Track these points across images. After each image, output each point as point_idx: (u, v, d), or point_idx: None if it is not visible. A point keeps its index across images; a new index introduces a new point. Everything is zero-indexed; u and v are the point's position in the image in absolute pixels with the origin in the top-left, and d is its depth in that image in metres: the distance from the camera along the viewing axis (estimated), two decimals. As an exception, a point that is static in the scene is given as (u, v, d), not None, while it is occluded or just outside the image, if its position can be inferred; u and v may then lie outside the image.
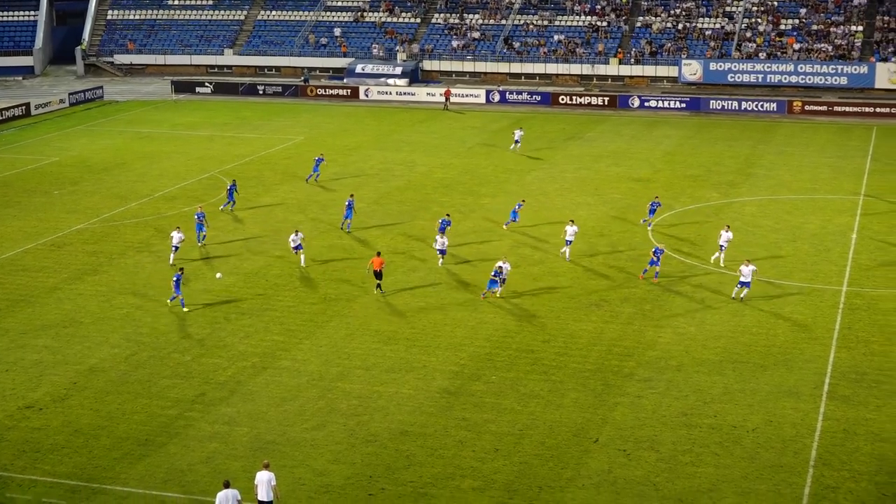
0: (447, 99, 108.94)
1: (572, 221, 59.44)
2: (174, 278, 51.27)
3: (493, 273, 52.62)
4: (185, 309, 51.18)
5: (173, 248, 58.18)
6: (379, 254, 54.79)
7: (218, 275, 47.73)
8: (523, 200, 66.47)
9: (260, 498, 33.17)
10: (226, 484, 32.63)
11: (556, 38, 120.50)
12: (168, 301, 51.83)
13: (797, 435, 39.54)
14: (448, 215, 62.03)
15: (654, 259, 54.95)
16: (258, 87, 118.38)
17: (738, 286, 52.26)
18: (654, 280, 55.09)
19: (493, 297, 52.78)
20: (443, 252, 57.81)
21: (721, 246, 57.46)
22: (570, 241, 58.63)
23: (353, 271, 57.54)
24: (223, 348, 47.83)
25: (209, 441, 39.38)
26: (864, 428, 40.01)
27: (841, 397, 42.46)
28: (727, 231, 57.99)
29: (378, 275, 53.72)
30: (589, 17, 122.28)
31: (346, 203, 64.73)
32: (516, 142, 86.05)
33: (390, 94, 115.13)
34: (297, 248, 57.24)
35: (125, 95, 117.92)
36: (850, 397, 42.47)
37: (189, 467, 37.51)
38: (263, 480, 33.06)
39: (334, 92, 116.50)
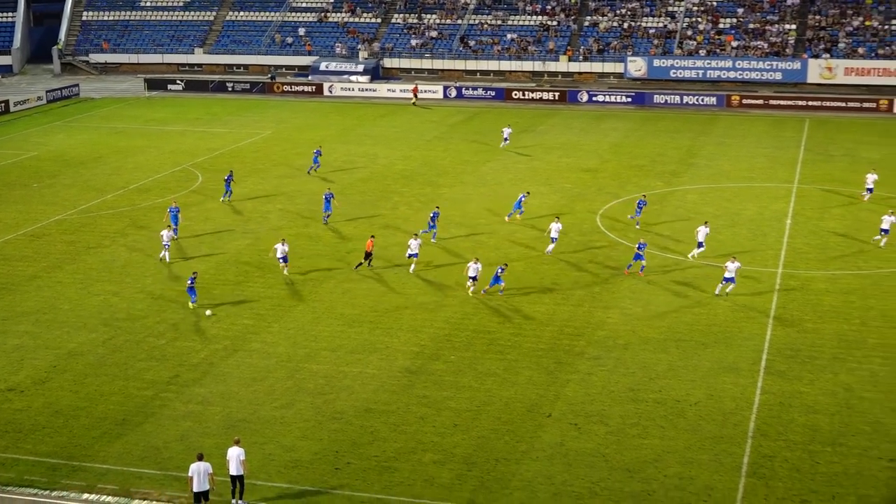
0: (415, 95, 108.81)
1: (557, 218, 58.56)
2: (189, 282, 49.88)
3: (498, 270, 51.13)
4: (191, 305, 49.85)
5: (164, 246, 56.78)
6: (373, 237, 56.34)
7: (208, 312, 45.94)
8: (528, 192, 66.17)
9: (231, 472, 33.18)
10: (199, 456, 32.66)
11: (509, 36, 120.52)
12: (190, 304, 49.86)
13: (736, 408, 39.87)
14: (438, 207, 61.50)
15: (639, 253, 53.66)
16: (227, 85, 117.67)
17: (723, 282, 50.63)
18: (639, 274, 53.74)
19: (493, 293, 51.31)
20: (414, 255, 54.73)
21: (700, 243, 55.95)
22: (556, 239, 57.24)
23: (319, 259, 57.43)
24: (196, 332, 47.64)
25: (183, 420, 39.27)
26: (799, 401, 40.40)
27: (777, 372, 42.83)
28: (705, 226, 56.57)
29: (368, 255, 55.19)
30: (540, 17, 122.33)
31: (325, 196, 64.10)
32: (505, 139, 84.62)
33: (353, 90, 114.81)
34: (282, 258, 53.69)
35: (100, 93, 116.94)
36: (785, 372, 42.85)
37: (164, 445, 37.42)
38: (234, 456, 33.06)
39: (300, 88, 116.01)
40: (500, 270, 51.21)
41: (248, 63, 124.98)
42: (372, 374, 42.97)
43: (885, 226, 58.56)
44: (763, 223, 63.24)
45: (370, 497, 34.10)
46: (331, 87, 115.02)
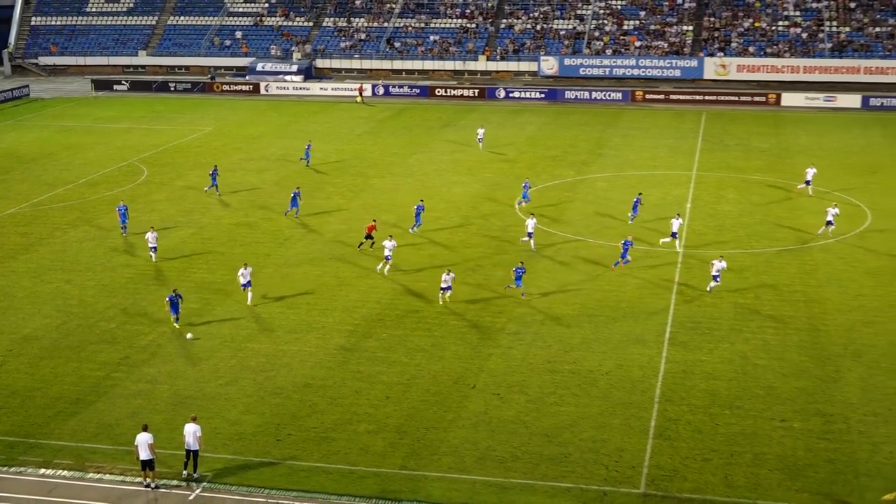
0: (360, 93, 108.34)
1: (532, 215, 56.94)
2: (168, 300, 45.04)
3: (515, 270, 48.29)
4: (176, 325, 45.11)
5: (151, 249, 53.96)
6: (374, 220, 56.85)
7: (189, 335, 44.03)
8: (528, 179, 66.22)
9: (187, 447, 33.01)
10: (144, 427, 32.44)
11: (431, 38, 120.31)
12: (175, 325, 45.15)
13: (644, 376, 40.30)
14: (422, 201, 60.57)
15: (623, 251, 51.96)
16: (170, 85, 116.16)
17: (714, 282, 48.54)
18: (619, 267, 52.00)
19: (514, 291, 48.87)
20: (388, 258, 51.84)
21: (674, 233, 55.07)
22: (531, 234, 55.24)
23: (257, 246, 57.02)
24: (144, 316, 47.08)
25: (134, 398, 38.84)
26: (700, 368, 40.93)
27: (680, 343, 43.35)
28: (678, 218, 55.70)
29: (369, 236, 55.22)
30: (460, 20, 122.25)
31: (292, 194, 62.18)
32: (479, 139, 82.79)
33: (288, 89, 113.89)
34: (245, 284, 47.77)
35: (50, 93, 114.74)
36: (687, 343, 43.37)
37: (116, 422, 36.99)
38: (190, 432, 32.92)
39: (238, 88, 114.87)
40: (520, 271, 48.15)
41: (189, 64, 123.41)
42: (309, 352, 42.79)
43: (829, 217, 56.99)
44: (666, 207, 63.83)
45: (310, 465, 34.00)
46: (267, 86, 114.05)
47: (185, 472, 33.18)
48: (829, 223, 57.19)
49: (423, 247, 56.32)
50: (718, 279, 48.62)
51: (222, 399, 38.71)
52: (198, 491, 32.65)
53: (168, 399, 38.72)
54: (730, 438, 35.49)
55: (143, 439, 32.15)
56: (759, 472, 33.33)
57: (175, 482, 33.03)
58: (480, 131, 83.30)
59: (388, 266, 51.70)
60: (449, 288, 47.23)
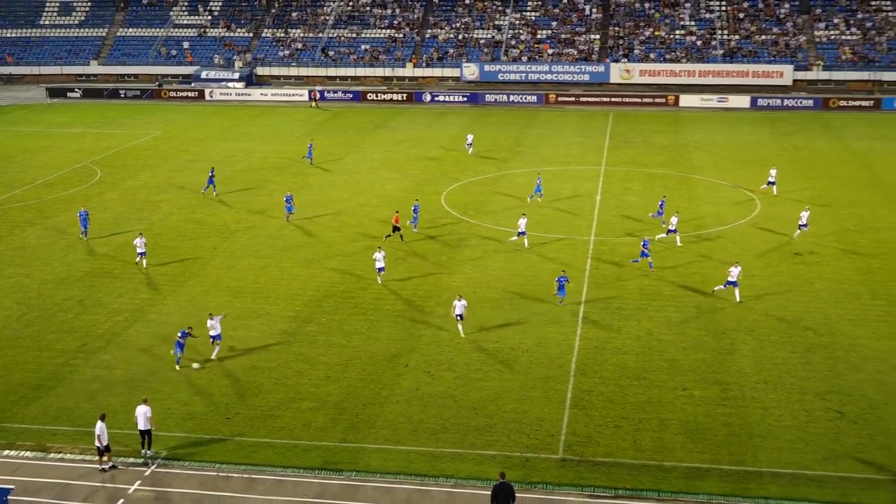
0: (313, 98, 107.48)
1: (524, 214, 55.02)
2: (180, 336, 39.44)
3: (557, 280, 45.51)
4: (177, 367, 39.46)
5: (140, 255, 51.42)
6: (397, 212, 55.86)
7: (195, 365, 42.11)
8: (540, 174, 65.83)
9: (139, 427, 32.60)
10: (101, 416, 31.88)
11: (363, 47, 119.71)
12: (176, 367, 39.57)
13: (560, 352, 40.60)
14: (417, 200, 59.32)
15: (644, 251, 49.88)
16: (120, 92, 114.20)
17: (725, 285, 46.20)
18: (650, 271, 49.75)
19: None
20: (381, 269, 48.68)
21: (671, 230, 53.93)
22: (524, 232, 53.57)
23: (205, 240, 56.38)
24: (100, 306, 46.34)
25: (91, 383, 38.24)
26: (610, 344, 41.34)
27: (592, 322, 43.73)
28: (675, 216, 54.47)
29: (396, 228, 54.56)
30: (388, 31, 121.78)
31: (285, 198, 59.97)
32: (469, 145, 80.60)
33: (230, 95, 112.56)
34: (215, 337, 40.30)
35: (6, 101, 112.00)
36: (598, 321, 43.77)
37: (76, 405, 36.40)
38: (141, 413, 32.54)
39: (184, 94, 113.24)
40: (562, 281, 45.36)
41: (138, 73, 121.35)
42: (255, 337, 42.46)
43: (802, 221, 54.65)
44: (578, 200, 64.35)
45: (257, 441, 33.78)
46: (211, 92, 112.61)
47: (143, 451, 32.79)
48: (802, 226, 54.63)
49: (359, 240, 56.10)
50: (737, 284, 45.80)
51: (175, 381, 38.26)
52: (153, 467, 32.28)
53: (124, 383, 38.18)
54: (638, 407, 35.93)
55: (103, 427, 31.72)
56: (664, 437, 33.79)
57: (131, 460, 32.62)
58: (470, 137, 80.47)
59: (379, 276, 48.59)
60: (461, 317, 42.30)
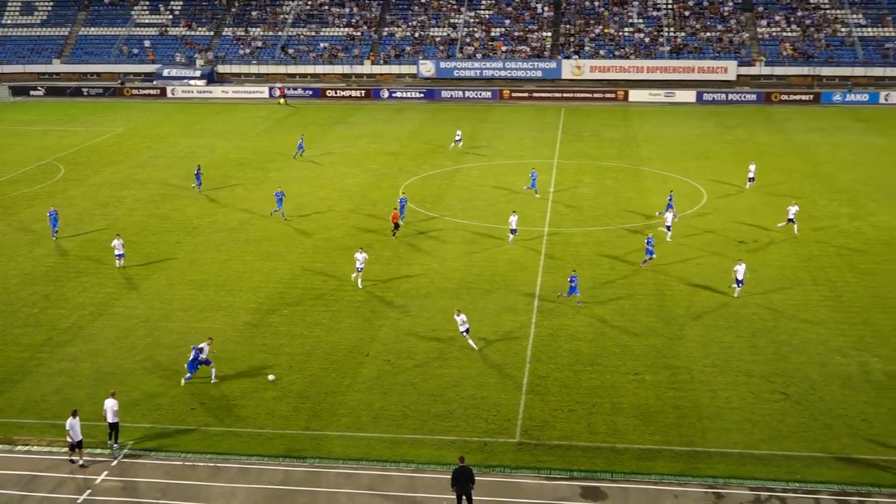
0: (282, 95, 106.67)
1: (514, 212, 54.24)
2: (193, 353, 36.99)
3: (569, 279, 44.19)
4: (182, 381, 36.90)
5: (119, 256, 49.79)
6: (396, 209, 55.54)
7: (270, 377, 37.41)
8: (535, 169, 65.67)
9: (108, 420, 32.31)
10: (73, 413, 31.40)
11: (322, 45, 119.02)
12: (182, 381, 37.10)
13: (516, 340, 40.67)
14: (404, 193, 59.06)
15: (649, 248, 48.92)
16: (83, 90, 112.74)
17: (738, 285, 44.97)
18: (644, 266, 48.92)
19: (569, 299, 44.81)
20: (360, 269, 47.02)
21: (667, 226, 53.26)
22: (515, 230, 52.82)
23: (168, 234, 55.82)
24: (65, 301, 45.71)
25: (57, 376, 37.71)
26: (564, 331, 41.48)
27: (547, 310, 43.85)
28: (670, 212, 54.02)
29: (396, 225, 54.27)
30: (347, 29, 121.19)
31: (276, 195, 58.39)
32: (457, 140, 78.54)
33: (192, 92, 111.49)
34: (205, 362, 37.51)
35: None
36: (553, 310, 43.90)
37: (42, 398, 35.89)
38: (109, 407, 32.20)
39: (146, 92, 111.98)
40: (572, 280, 44.05)
41: (101, 71, 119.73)
42: (219, 329, 42.09)
43: (790, 215, 53.99)
44: (531, 193, 64.42)
45: (222, 430, 33.52)
46: (173, 90, 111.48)
47: (109, 442, 32.43)
48: (790, 220, 53.89)
49: (319, 232, 55.83)
50: (743, 282, 45.00)
51: (140, 373, 37.85)
52: (119, 457, 31.93)
53: (89, 375, 37.69)
54: (591, 391, 36.09)
55: (75, 423, 31.27)
56: (617, 420, 33.98)
57: (98, 451, 32.23)
58: (458, 133, 79.58)
59: (359, 278, 46.83)
60: (467, 331, 39.73)
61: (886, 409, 34.49)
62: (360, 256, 46.97)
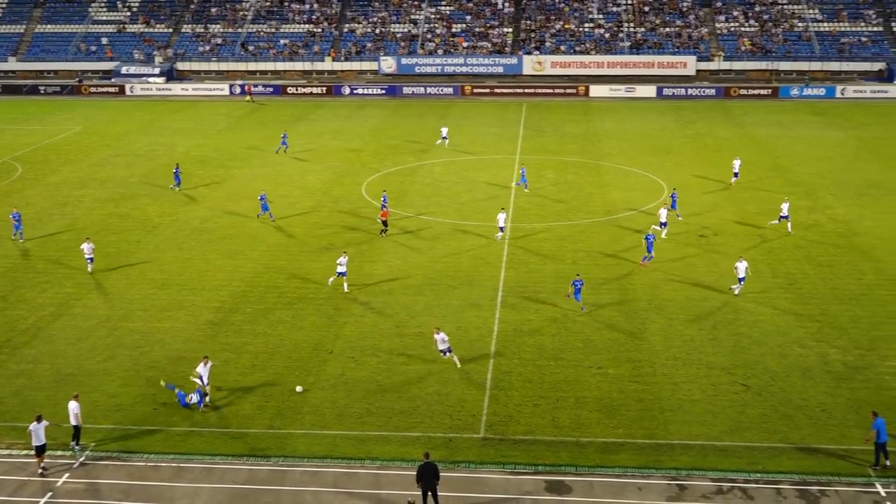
0: (249, 93, 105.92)
1: (503, 209, 54.83)
2: (197, 394, 34.94)
3: (573, 283, 43.08)
4: (201, 407, 34.97)
5: (88, 260, 48.60)
6: (384, 207, 55.21)
7: (298, 388, 36.57)
8: (524, 166, 65.79)
9: (71, 423, 32.10)
10: (38, 418, 31.00)
11: (282, 41, 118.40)
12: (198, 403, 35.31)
13: (480, 335, 40.76)
14: (385, 191, 58.83)
15: (649, 247, 48.40)
16: (39, 88, 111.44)
17: (738, 283, 44.80)
18: (644, 264, 48.68)
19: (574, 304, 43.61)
20: (342, 274, 45.70)
21: (662, 223, 53.00)
22: (503, 228, 52.93)
23: (128, 233, 55.33)
24: (24, 302, 45.15)
25: (17, 377, 37.25)
26: (528, 326, 41.63)
27: (510, 305, 43.98)
28: (664, 208, 53.82)
29: (385, 223, 53.83)
30: (307, 25, 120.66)
31: (260, 198, 57.58)
32: (444, 137, 78.08)
33: (151, 90, 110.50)
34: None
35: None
36: (516, 305, 44.03)
37: (0, 400, 35.40)
38: (71, 409, 31.86)
39: (104, 90, 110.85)
40: (575, 284, 43.06)
41: (58, 69, 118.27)
42: (181, 328, 41.81)
43: (784, 212, 53.78)
44: (494, 187, 64.60)
45: (185, 430, 33.29)
46: (132, 87, 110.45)
47: (71, 444, 32.12)
48: (783, 217, 53.71)
49: (281, 229, 55.57)
50: (743, 279, 44.72)
51: (101, 374, 37.49)
52: (81, 459, 31.62)
53: (49, 377, 37.27)
54: (555, 386, 36.25)
55: (39, 427, 30.90)
56: (580, 413, 34.16)
57: (59, 452, 31.89)
58: (444, 130, 79.13)
59: (340, 281, 45.81)
60: (448, 350, 37.64)
61: (845, 399, 34.97)
62: (343, 260, 45.75)
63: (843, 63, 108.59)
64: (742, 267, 44.69)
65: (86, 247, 48.91)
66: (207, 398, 34.95)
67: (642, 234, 53.01)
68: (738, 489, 29.67)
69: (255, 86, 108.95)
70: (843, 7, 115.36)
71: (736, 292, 44.87)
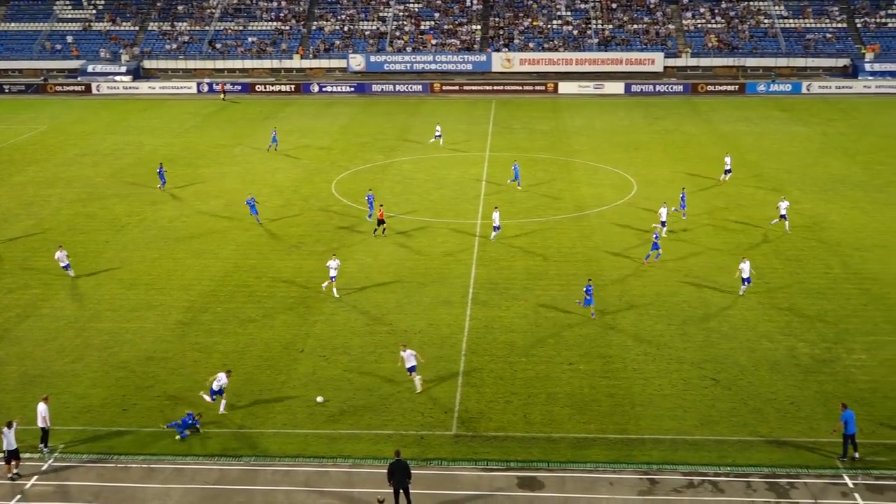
0: (223, 91, 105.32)
1: (496, 208, 53.85)
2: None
3: (585, 290, 42.24)
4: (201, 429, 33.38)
5: (66, 267, 47.26)
6: (382, 206, 54.23)
7: (319, 398, 35.45)
8: (516, 160, 65.82)
9: (39, 425, 31.82)
10: (8, 424, 30.62)
11: (250, 39, 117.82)
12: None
13: (451, 333, 40.78)
14: (371, 190, 57.91)
15: (656, 243, 48.09)
16: (4, 87, 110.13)
17: (744, 284, 44.36)
18: (654, 262, 48.43)
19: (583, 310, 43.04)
20: (333, 278, 44.82)
21: (663, 222, 52.71)
22: (498, 227, 52.35)
23: (96, 233, 54.87)
24: (-10, 303, 44.72)
25: (-16, 380, 36.88)
26: (499, 323, 41.69)
27: (481, 302, 44.03)
28: (664, 207, 53.34)
29: (381, 222, 52.87)
30: (275, 23, 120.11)
31: (248, 202, 56.95)
32: (437, 136, 77.63)
33: (118, 88, 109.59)
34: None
35: None
36: (487, 301, 44.09)
37: (-32, 403, 35.06)
38: (40, 412, 31.64)
39: (70, 88, 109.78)
40: (588, 290, 42.13)
41: (22, 67, 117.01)
42: (150, 328, 41.52)
43: (782, 212, 53.36)
44: (464, 184, 64.65)
45: (155, 431, 33.05)
46: (98, 86, 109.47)
47: (39, 446, 31.81)
48: (782, 217, 53.24)
49: (251, 229, 55.32)
50: (750, 280, 44.31)
51: (69, 375, 37.15)
52: (50, 461, 31.33)
53: (17, 379, 36.88)
54: (527, 382, 36.33)
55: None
56: (552, 409, 34.26)
57: (28, 454, 31.56)
58: (438, 128, 78.52)
59: (333, 286, 44.84)
60: (413, 368, 35.77)
61: (813, 392, 35.31)
62: (333, 264, 44.81)
63: (809, 59, 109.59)
64: (746, 267, 43.99)
65: (60, 255, 47.33)
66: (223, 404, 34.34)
67: (611, 231, 53.29)
68: (709, 483, 29.89)
69: (226, 83, 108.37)
70: (808, 4, 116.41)
71: (741, 293, 44.34)
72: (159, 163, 67.56)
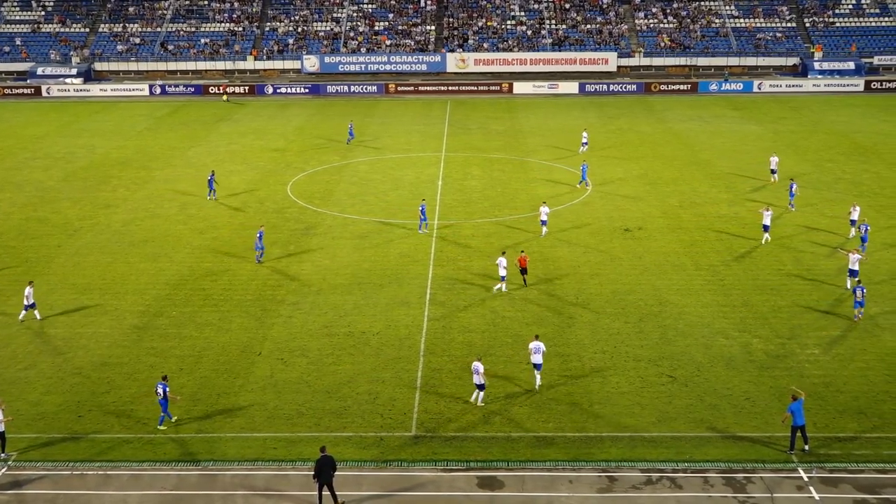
0: (225, 92, 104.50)
1: (545, 203, 54.39)
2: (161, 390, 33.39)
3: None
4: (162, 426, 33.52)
5: (30, 306, 42.42)
6: (523, 252, 48.48)
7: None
8: (585, 161, 65.79)
9: None
10: None
11: (202, 41, 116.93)
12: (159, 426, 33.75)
13: (409, 333, 40.76)
14: (424, 200, 56.12)
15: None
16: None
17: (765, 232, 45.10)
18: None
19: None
20: (503, 278, 44.88)
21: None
22: (545, 221, 52.76)
23: (48, 238, 54.13)
24: (-60, 310, 43.91)
25: (-66, 388, 36.20)
26: (457, 323, 41.74)
27: (439, 302, 44.05)
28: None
29: (523, 270, 46.10)
30: (228, 24, 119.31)
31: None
32: (585, 143, 73.90)
33: (69, 91, 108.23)
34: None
35: None
36: (445, 301, 44.12)
37: (-82, 412, 34.36)
38: None
39: (19, 91, 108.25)
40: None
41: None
42: (105, 333, 41.04)
43: (766, 221, 51.40)
44: (420, 185, 64.64)
45: (111, 437, 32.69)
46: (48, 88, 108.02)
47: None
48: (765, 227, 51.68)
49: (206, 231, 54.91)
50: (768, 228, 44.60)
51: (22, 382, 36.61)
52: (3, 470, 30.85)
53: (-31, 387, 36.31)
54: (487, 382, 36.35)
55: None
56: (511, 409, 34.35)
57: (-19, 464, 31.11)
58: (585, 135, 74.95)
59: (503, 284, 44.92)
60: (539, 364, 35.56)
61: (768, 387, 35.76)
62: (503, 262, 44.84)
63: (760, 58, 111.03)
64: (768, 215, 48.52)
65: (28, 292, 42.37)
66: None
67: (565, 230, 53.58)
68: (667, 479, 30.15)
69: (176, 86, 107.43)
70: (759, 3, 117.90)
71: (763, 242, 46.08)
72: (211, 171, 64.41)
